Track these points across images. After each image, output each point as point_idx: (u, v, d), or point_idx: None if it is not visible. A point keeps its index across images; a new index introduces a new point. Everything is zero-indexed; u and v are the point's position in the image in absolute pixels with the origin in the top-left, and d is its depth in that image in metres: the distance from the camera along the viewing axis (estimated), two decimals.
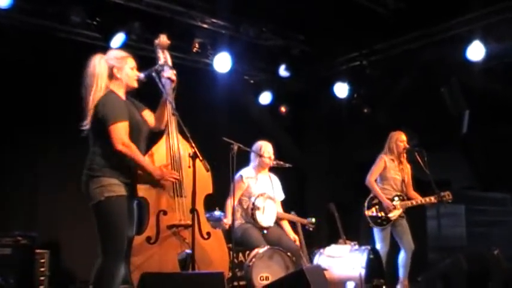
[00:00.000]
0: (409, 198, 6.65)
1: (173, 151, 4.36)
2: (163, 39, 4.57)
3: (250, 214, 5.81)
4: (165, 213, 4.26)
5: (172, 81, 4.43)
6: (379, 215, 6.58)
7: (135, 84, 4.30)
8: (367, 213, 6.64)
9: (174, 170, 4.31)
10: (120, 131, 4.01)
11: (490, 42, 7.24)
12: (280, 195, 6.28)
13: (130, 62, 4.30)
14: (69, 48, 6.89)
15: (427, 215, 8.00)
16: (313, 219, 6.36)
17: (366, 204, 6.68)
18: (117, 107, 4.08)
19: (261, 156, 6.05)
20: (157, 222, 4.22)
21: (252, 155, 6.13)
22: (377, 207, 6.60)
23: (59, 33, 6.91)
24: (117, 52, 4.38)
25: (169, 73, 4.43)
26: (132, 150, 4.04)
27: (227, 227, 5.56)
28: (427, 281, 6.33)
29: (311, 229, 6.40)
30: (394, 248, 6.65)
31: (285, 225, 6.25)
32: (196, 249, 4.05)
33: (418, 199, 6.60)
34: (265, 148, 6.11)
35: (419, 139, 7.15)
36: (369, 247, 6.31)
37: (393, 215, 6.55)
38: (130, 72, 4.27)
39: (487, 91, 7.96)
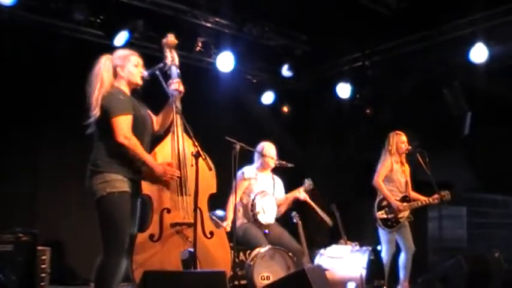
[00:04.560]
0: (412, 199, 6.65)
1: (178, 149, 4.37)
2: (171, 38, 4.56)
3: (251, 214, 5.81)
4: (168, 211, 4.26)
5: (179, 92, 4.42)
6: (389, 217, 6.56)
7: (139, 81, 4.30)
8: (378, 215, 6.62)
9: (179, 168, 4.32)
10: (122, 124, 4.03)
11: (493, 44, 7.24)
12: (282, 196, 6.27)
13: (134, 60, 4.30)
14: (73, 45, 6.90)
15: (428, 217, 8.01)
16: (306, 180, 6.29)
17: (375, 206, 6.67)
18: (121, 101, 4.11)
19: (263, 156, 6.05)
20: (160, 220, 4.23)
21: (255, 155, 6.13)
22: (386, 209, 6.58)
23: (63, 31, 6.93)
24: (122, 51, 4.38)
25: (176, 85, 4.41)
26: (133, 144, 4.05)
27: (228, 229, 5.47)
28: (427, 283, 6.34)
29: (311, 187, 6.28)
30: (395, 249, 6.64)
31: None
32: (199, 248, 4.05)
33: (421, 200, 6.60)
34: (268, 149, 6.12)
35: (421, 140, 7.13)
36: (370, 248, 6.31)
37: (401, 216, 6.54)
38: (133, 69, 4.27)
39: (490, 93, 7.96)
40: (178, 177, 4.29)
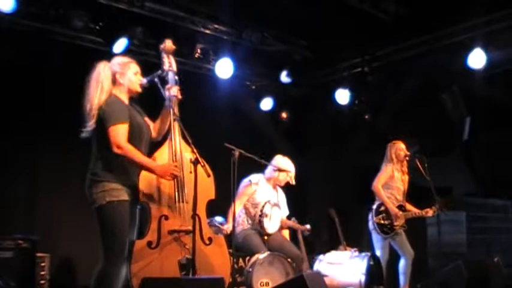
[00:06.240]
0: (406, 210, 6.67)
1: (176, 156, 4.36)
2: (168, 44, 4.56)
3: (258, 221, 5.80)
4: (166, 218, 4.25)
5: (177, 98, 4.40)
6: (385, 223, 6.56)
7: (138, 89, 4.32)
8: (376, 220, 6.61)
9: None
10: (117, 133, 4.04)
11: (492, 50, 7.26)
12: (285, 211, 6.27)
13: (134, 67, 4.33)
14: (72, 52, 6.91)
15: (428, 222, 8.01)
16: (308, 226, 6.35)
17: (373, 211, 6.67)
18: (118, 109, 4.12)
19: (288, 177, 6.05)
20: (158, 227, 4.22)
21: (271, 168, 6.09)
22: (384, 215, 6.59)
23: (62, 38, 6.92)
24: (121, 58, 4.40)
25: (174, 91, 4.40)
26: (128, 151, 4.05)
27: (228, 231, 5.49)
28: None
29: (307, 232, 6.37)
30: (394, 256, 6.64)
31: (285, 234, 6.24)
32: (198, 254, 4.05)
33: (416, 211, 6.62)
34: (290, 169, 6.10)
35: (420, 146, 7.14)
36: (369, 254, 6.31)
37: (397, 224, 6.54)
38: (132, 77, 4.30)
39: (488, 98, 7.97)
40: (177, 175, 4.22)
